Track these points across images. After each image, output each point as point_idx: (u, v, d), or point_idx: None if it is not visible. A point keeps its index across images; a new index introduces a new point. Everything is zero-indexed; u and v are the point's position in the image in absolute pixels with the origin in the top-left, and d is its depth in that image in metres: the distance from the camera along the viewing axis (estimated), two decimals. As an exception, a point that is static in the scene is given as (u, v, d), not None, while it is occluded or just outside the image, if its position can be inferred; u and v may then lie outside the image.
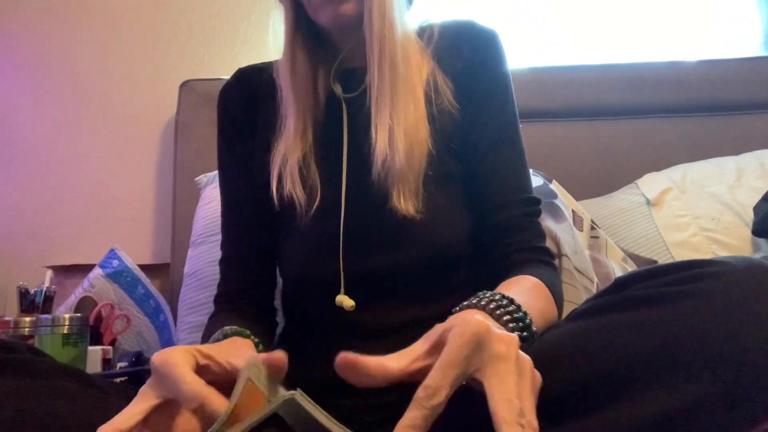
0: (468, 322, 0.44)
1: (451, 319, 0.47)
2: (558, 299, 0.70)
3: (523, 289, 0.65)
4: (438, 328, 0.46)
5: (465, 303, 0.56)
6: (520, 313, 0.54)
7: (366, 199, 0.75)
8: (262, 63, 0.88)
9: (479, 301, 0.54)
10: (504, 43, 0.83)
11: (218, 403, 0.44)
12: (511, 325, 0.53)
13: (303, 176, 0.77)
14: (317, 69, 0.81)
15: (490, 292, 0.56)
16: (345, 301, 0.74)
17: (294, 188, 0.76)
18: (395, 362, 0.45)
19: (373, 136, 0.73)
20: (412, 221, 0.72)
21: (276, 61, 0.84)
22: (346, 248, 0.75)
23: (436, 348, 0.45)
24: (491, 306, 0.53)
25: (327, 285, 0.76)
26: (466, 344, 0.43)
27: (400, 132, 0.72)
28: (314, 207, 0.76)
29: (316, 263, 0.77)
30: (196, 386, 0.45)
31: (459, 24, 0.83)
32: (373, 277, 0.75)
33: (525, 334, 0.53)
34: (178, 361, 0.47)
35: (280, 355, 0.49)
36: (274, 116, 0.81)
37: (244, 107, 0.86)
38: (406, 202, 0.72)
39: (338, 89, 0.81)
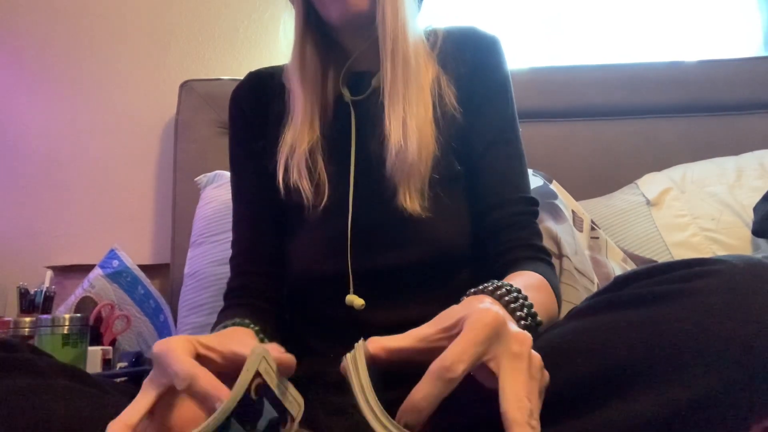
0: (487, 311, 0.44)
1: (465, 307, 0.47)
2: (557, 296, 0.71)
3: (527, 284, 0.65)
4: (451, 314, 0.47)
5: (474, 289, 0.56)
6: (528, 303, 0.55)
7: (374, 197, 0.76)
8: (272, 67, 0.90)
9: (487, 287, 0.55)
10: (505, 49, 0.85)
11: (207, 381, 0.44)
12: (518, 313, 0.53)
13: (310, 170, 0.77)
14: (326, 70, 0.82)
15: (498, 281, 0.57)
16: (355, 300, 0.75)
17: (300, 181, 0.76)
18: (397, 341, 0.46)
19: (387, 126, 0.74)
20: (418, 220, 0.73)
21: (285, 65, 0.86)
22: (354, 246, 0.75)
23: (448, 331, 0.45)
24: (499, 292, 0.54)
25: (334, 282, 0.76)
26: (488, 328, 0.43)
27: (413, 125, 0.73)
28: (322, 204, 0.76)
29: (324, 260, 0.78)
30: (186, 365, 0.45)
31: (462, 30, 0.85)
32: (379, 275, 0.75)
33: (531, 322, 0.54)
34: (175, 346, 0.47)
35: (289, 357, 0.50)
36: (283, 114, 0.82)
37: (255, 105, 0.87)
38: (412, 201, 0.73)
39: (346, 92, 0.82)
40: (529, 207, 0.79)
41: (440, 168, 0.76)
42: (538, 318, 0.55)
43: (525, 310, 0.54)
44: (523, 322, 0.53)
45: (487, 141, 0.80)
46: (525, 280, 0.66)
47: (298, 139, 0.78)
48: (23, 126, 1.61)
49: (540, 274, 0.69)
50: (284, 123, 0.81)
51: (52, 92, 1.62)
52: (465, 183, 0.80)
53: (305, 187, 0.76)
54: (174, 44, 1.64)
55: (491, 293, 0.54)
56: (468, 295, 0.55)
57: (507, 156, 0.80)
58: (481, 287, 0.56)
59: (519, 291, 0.55)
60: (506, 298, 0.53)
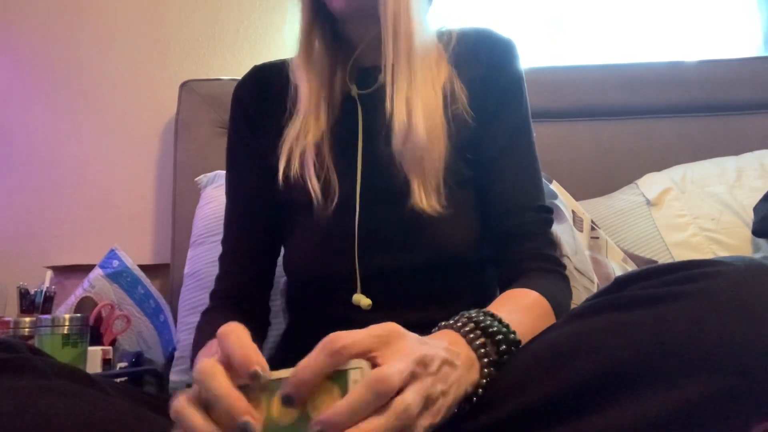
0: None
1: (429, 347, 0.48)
2: (561, 312, 0.69)
3: (519, 306, 0.65)
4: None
5: (443, 324, 0.56)
6: (500, 333, 0.55)
7: (381, 196, 0.75)
8: (278, 60, 0.88)
9: (455, 323, 0.55)
10: (520, 52, 0.83)
11: (242, 409, 0.44)
12: (481, 350, 0.53)
13: (316, 166, 0.76)
14: (334, 65, 0.80)
15: (473, 312, 0.57)
16: (362, 300, 0.74)
17: (309, 178, 0.75)
18: None
19: (389, 107, 0.72)
20: (426, 222, 0.72)
21: (292, 58, 0.84)
22: (360, 246, 0.74)
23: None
24: (465, 329, 0.54)
25: (339, 283, 0.75)
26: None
27: (419, 103, 0.72)
28: (327, 202, 0.75)
29: (330, 260, 0.77)
30: (230, 395, 0.44)
31: (477, 31, 0.83)
32: (385, 277, 0.75)
33: (497, 358, 0.54)
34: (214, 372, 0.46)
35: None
36: (288, 110, 0.81)
37: (258, 102, 0.85)
38: (428, 197, 0.71)
39: (353, 87, 0.80)
40: (542, 215, 0.78)
41: (449, 172, 0.75)
42: (514, 346, 0.55)
43: (495, 345, 0.54)
44: (485, 360, 0.53)
45: (500, 146, 0.78)
46: (517, 303, 0.66)
47: (302, 131, 0.76)
48: (23, 126, 1.60)
49: (541, 289, 0.68)
50: (290, 121, 0.80)
51: (52, 92, 1.62)
52: (475, 187, 0.79)
53: (313, 184, 0.75)
54: (174, 44, 1.64)
55: (458, 329, 0.54)
56: (439, 328, 0.56)
57: (520, 162, 0.79)
58: (451, 321, 0.56)
59: (493, 317, 0.56)
60: (470, 336, 0.54)
